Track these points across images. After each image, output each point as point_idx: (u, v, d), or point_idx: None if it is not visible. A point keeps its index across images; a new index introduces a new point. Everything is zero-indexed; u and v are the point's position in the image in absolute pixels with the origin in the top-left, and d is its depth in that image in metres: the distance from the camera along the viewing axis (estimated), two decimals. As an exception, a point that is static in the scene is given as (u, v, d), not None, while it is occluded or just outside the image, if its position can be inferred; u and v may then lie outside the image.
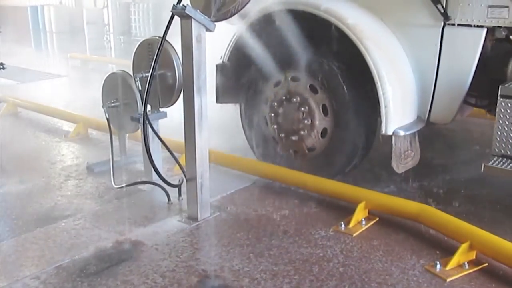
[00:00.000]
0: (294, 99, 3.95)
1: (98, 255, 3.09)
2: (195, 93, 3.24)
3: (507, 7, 3.30)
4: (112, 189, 4.02)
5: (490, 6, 3.35)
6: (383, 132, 3.60)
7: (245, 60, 4.12)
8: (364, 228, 3.38)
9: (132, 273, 2.90)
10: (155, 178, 3.86)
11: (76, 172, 4.48)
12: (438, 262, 2.92)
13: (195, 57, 3.20)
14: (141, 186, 4.05)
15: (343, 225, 3.39)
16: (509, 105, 3.23)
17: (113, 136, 4.19)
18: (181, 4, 3.13)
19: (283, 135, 4.08)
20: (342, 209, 3.61)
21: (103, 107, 4.11)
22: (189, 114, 3.32)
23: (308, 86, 3.91)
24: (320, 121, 3.91)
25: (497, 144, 3.31)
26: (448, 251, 3.03)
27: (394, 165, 3.64)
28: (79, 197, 3.95)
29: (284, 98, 4.02)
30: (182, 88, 3.40)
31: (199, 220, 3.48)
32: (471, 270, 2.89)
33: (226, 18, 3.35)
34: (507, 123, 3.26)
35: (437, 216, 3.24)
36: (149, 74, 3.45)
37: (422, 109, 3.72)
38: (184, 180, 3.60)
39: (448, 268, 2.89)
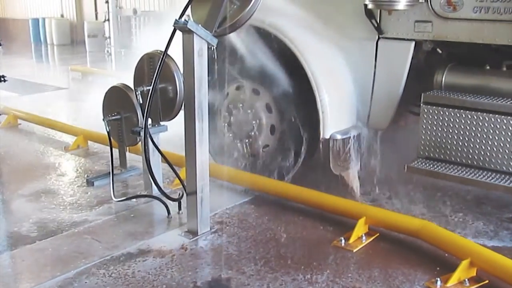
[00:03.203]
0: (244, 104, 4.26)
1: (95, 267, 3.07)
2: (196, 107, 3.25)
3: (430, 22, 3.57)
4: (111, 203, 4.01)
5: (416, 21, 3.65)
6: (321, 135, 3.86)
7: None
8: (364, 244, 3.36)
9: (130, 285, 2.89)
10: (155, 191, 3.86)
11: (76, 185, 4.47)
12: (438, 279, 2.91)
13: (197, 71, 3.21)
14: (141, 200, 4.04)
15: (343, 241, 3.38)
16: (431, 111, 3.54)
17: (113, 149, 4.19)
18: (183, 19, 3.15)
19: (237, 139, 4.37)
20: (342, 225, 3.60)
21: (103, 120, 4.12)
22: (190, 128, 3.32)
23: (252, 89, 4.21)
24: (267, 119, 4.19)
25: (422, 147, 3.63)
26: (448, 268, 3.01)
27: (332, 166, 3.92)
28: (78, 210, 3.93)
29: (235, 103, 4.31)
30: (183, 102, 3.42)
31: (198, 234, 3.47)
32: (471, 287, 2.88)
33: (228, 33, 3.37)
34: (429, 127, 3.58)
35: (438, 233, 3.24)
36: (151, 87, 3.46)
37: (362, 116, 4.01)
38: (184, 194, 3.60)
39: (448, 284, 2.88)
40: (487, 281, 2.90)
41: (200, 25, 3.15)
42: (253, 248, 3.33)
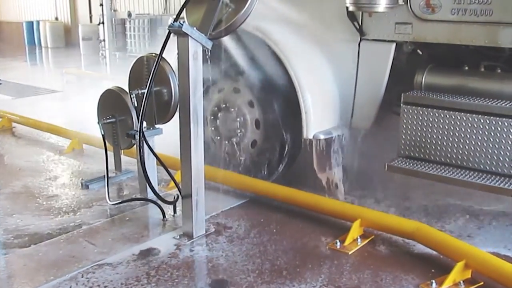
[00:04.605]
0: (229, 106, 4.31)
1: (91, 271, 3.07)
2: (191, 110, 3.25)
3: (410, 23, 3.63)
4: (106, 206, 4.00)
5: (397, 23, 3.71)
6: (304, 136, 3.90)
7: None
8: (359, 246, 3.37)
9: (126, 291, 2.89)
10: (150, 194, 3.85)
11: (71, 188, 4.46)
12: (433, 281, 2.92)
13: (192, 74, 3.21)
14: (136, 203, 4.04)
15: (338, 243, 3.38)
16: (410, 111, 3.59)
17: (108, 152, 4.18)
18: (178, 22, 3.15)
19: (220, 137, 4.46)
20: (337, 227, 3.60)
21: (98, 123, 4.11)
22: (184, 131, 3.32)
23: (232, 88, 4.29)
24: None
25: (402, 147, 3.68)
26: (443, 270, 3.02)
27: (315, 166, 4.00)
28: (73, 214, 3.92)
29: (220, 104, 4.38)
30: (178, 105, 3.41)
31: (194, 237, 3.47)
32: (466, 289, 2.89)
33: (222, 36, 3.38)
34: (409, 127, 3.62)
35: (433, 234, 3.24)
36: (145, 90, 3.46)
37: (345, 116, 4.06)
38: (180, 197, 3.59)
39: (444, 286, 2.88)
40: (482, 283, 2.91)
41: (195, 28, 3.15)
42: (248, 253, 3.32)
